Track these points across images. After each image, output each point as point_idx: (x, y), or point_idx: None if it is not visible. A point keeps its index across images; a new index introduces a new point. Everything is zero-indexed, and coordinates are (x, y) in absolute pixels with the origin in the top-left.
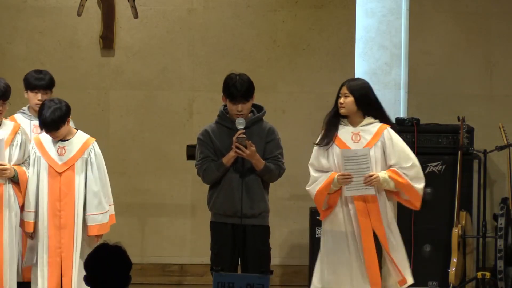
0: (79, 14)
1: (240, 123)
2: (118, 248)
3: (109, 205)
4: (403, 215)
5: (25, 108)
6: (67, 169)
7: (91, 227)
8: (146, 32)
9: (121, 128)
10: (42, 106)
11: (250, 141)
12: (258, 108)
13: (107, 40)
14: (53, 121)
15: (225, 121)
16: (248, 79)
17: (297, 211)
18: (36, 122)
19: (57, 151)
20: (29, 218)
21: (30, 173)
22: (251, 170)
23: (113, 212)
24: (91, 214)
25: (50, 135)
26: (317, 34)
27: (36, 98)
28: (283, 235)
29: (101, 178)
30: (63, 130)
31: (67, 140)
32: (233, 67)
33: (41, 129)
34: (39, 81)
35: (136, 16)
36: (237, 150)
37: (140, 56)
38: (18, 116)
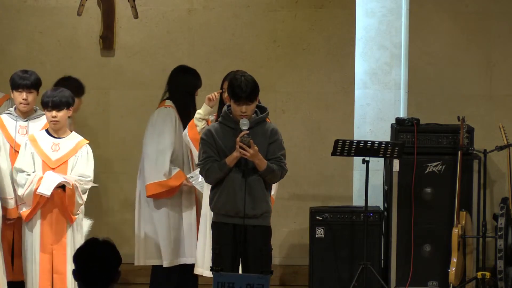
0: (79, 14)
1: (244, 124)
2: (107, 242)
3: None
4: (403, 215)
5: (12, 109)
6: (60, 165)
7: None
8: (146, 32)
9: (121, 128)
10: (49, 90)
11: (252, 141)
12: (261, 109)
13: (107, 40)
14: (60, 99)
15: (228, 121)
16: (252, 80)
17: (297, 211)
18: (22, 123)
19: (51, 147)
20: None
21: (29, 167)
22: (253, 170)
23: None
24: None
25: (51, 116)
26: (317, 34)
27: (20, 97)
28: (283, 235)
29: (90, 174)
30: (63, 116)
31: (62, 138)
32: (233, 67)
33: (44, 107)
34: (23, 80)
35: (136, 16)
36: (241, 150)
37: (140, 56)
38: (4, 117)
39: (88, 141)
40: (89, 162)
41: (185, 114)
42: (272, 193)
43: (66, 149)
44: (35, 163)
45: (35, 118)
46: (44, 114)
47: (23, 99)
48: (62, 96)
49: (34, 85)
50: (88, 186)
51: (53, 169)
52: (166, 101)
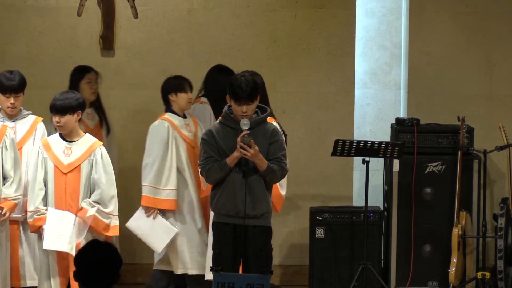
0: (79, 14)
1: (245, 124)
2: (108, 245)
3: (113, 215)
4: (403, 215)
5: None
6: (73, 170)
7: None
8: (146, 32)
9: (121, 128)
10: (58, 93)
11: (253, 140)
12: (262, 109)
13: (107, 40)
14: (62, 104)
15: (229, 121)
16: (253, 80)
17: (297, 211)
18: (9, 124)
19: (63, 151)
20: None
21: (37, 175)
22: (254, 170)
23: (117, 224)
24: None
25: (55, 121)
26: (317, 34)
27: (8, 101)
28: (283, 235)
29: (107, 181)
30: (67, 120)
31: (74, 141)
32: (233, 67)
33: (50, 111)
34: (11, 82)
35: (136, 16)
36: (241, 150)
37: (140, 56)
38: None
39: (102, 143)
40: (107, 171)
41: (220, 112)
42: (283, 193)
43: (78, 153)
44: (47, 168)
45: (21, 119)
46: (30, 113)
47: (11, 103)
48: (65, 101)
49: (21, 88)
50: (112, 207)
51: (65, 174)
52: (201, 98)
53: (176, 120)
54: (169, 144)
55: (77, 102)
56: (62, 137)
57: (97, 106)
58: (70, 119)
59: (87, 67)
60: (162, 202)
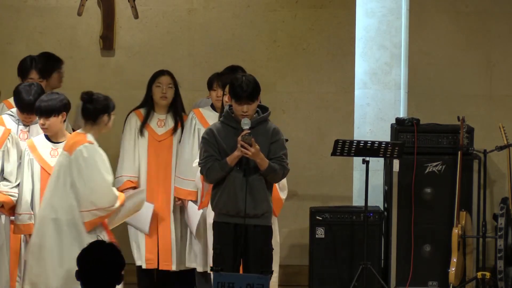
0: (79, 14)
1: (246, 124)
2: (112, 245)
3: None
4: (403, 215)
5: (14, 110)
6: None
7: None
8: (146, 32)
9: (121, 128)
10: (43, 95)
11: (253, 139)
12: (263, 109)
13: (107, 40)
14: (46, 107)
15: (230, 121)
16: (253, 80)
17: (297, 211)
18: (23, 127)
19: (50, 153)
20: (26, 221)
21: (24, 176)
22: (255, 169)
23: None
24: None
25: (40, 124)
26: (317, 34)
27: (23, 115)
28: (283, 235)
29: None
30: (52, 122)
31: (60, 142)
32: None
33: (35, 113)
34: (28, 97)
35: (136, 16)
36: (242, 149)
37: (140, 56)
38: (5, 117)
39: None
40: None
41: None
42: (283, 197)
43: None
44: (33, 169)
45: (35, 123)
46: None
47: (25, 117)
48: (49, 102)
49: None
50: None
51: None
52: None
53: (208, 113)
54: (192, 134)
55: (61, 104)
56: (48, 138)
57: (175, 112)
58: (55, 121)
59: (162, 71)
60: (181, 192)
